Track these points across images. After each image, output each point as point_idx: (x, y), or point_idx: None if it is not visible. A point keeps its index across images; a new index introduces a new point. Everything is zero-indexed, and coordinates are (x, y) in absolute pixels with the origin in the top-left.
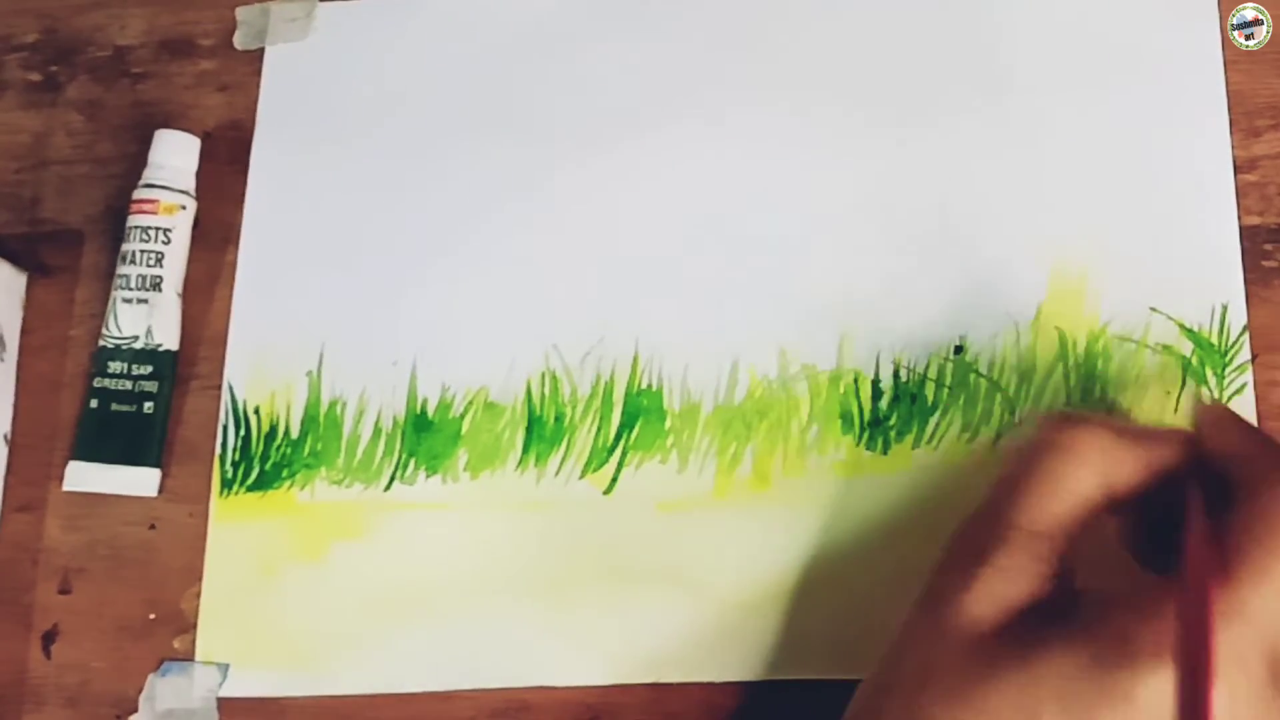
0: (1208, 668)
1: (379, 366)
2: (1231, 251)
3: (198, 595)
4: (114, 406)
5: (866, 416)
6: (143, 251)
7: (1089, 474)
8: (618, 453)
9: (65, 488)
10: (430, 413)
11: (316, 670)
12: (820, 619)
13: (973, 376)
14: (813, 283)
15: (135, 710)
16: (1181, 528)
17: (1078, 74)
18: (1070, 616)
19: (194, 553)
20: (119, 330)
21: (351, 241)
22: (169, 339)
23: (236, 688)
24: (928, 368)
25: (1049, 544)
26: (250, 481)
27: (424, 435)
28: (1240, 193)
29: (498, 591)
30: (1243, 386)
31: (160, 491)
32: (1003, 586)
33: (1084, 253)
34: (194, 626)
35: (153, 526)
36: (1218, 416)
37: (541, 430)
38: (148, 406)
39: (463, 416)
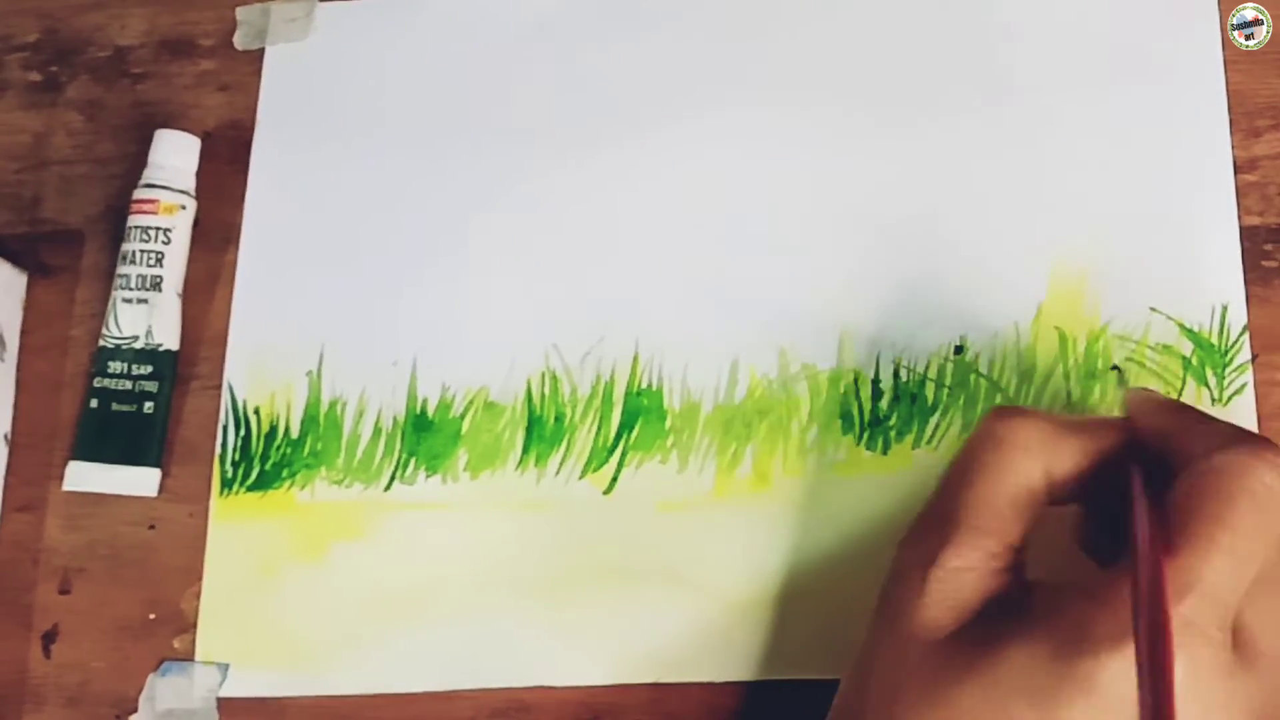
0: (1167, 642)
1: (379, 366)
2: (1231, 251)
3: (198, 595)
4: (114, 406)
5: (866, 416)
6: (143, 251)
7: (1031, 465)
8: (618, 453)
9: (65, 488)
10: (430, 413)
11: (316, 670)
12: (820, 619)
13: (973, 376)
14: (813, 282)
15: (135, 710)
16: (1128, 513)
17: (1078, 74)
18: (1025, 609)
19: (194, 553)
20: (119, 330)
21: (351, 241)
22: (169, 339)
23: (236, 688)
24: (928, 368)
25: (996, 539)
26: (250, 481)
27: (424, 435)
28: (1240, 193)
29: (498, 591)
30: (1243, 387)
31: (160, 491)
32: (955, 589)
33: (1084, 253)
34: (194, 626)
35: (153, 526)
36: (1147, 399)
37: (541, 430)
38: (148, 406)
39: (463, 416)
